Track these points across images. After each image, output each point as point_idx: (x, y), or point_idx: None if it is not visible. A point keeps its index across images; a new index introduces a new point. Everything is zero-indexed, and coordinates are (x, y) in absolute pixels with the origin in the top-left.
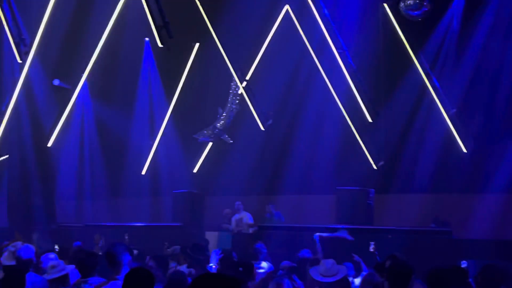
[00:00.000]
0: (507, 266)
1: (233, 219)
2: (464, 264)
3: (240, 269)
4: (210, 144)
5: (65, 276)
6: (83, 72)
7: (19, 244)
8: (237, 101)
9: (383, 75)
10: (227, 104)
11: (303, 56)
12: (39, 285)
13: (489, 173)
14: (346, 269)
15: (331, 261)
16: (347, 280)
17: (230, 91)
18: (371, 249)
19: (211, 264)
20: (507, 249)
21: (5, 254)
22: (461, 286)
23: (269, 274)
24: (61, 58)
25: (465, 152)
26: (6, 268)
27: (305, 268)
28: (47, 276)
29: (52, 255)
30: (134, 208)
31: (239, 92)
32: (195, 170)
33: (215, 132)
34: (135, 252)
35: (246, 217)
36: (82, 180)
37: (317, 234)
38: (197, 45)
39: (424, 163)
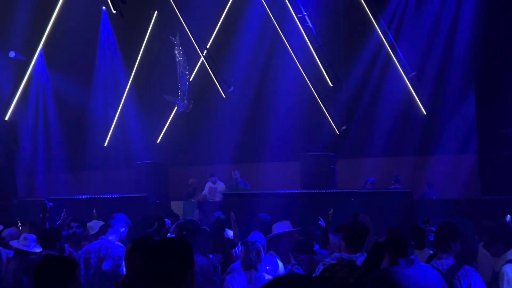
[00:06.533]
0: (462, 223)
1: (207, 187)
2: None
3: (184, 232)
4: (173, 113)
5: (30, 253)
6: (39, 42)
7: None
8: (184, 65)
9: (343, 39)
10: (177, 72)
11: (264, 22)
12: None
13: (448, 135)
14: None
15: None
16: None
17: (176, 59)
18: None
19: None
20: (465, 207)
21: None
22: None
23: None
24: (16, 29)
25: (424, 114)
26: None
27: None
28: (17, 245)
29: (13, 231)
30: (97, 180)
31: (182, 57)
32: (158, 141)
33: (184, 101)
34: (101, 223)
35: (220, 186)
36: (43, 153)
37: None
38: (155, 13)
39: (386, 126)
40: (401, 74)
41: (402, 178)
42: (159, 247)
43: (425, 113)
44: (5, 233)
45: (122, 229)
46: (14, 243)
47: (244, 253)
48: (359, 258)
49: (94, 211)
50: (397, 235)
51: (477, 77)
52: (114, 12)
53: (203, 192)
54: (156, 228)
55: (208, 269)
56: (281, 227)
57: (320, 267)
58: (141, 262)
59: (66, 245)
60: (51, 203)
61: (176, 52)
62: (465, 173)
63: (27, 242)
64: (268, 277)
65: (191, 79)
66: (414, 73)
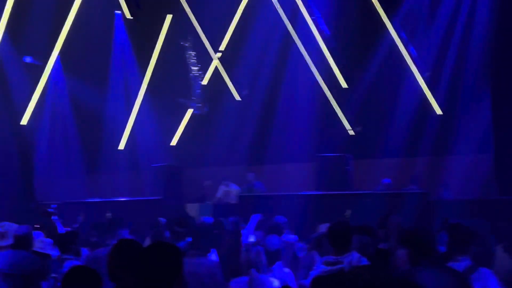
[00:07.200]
0: (478, 224)
1: (221, 190)
2: None
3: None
4: (187, 116)
5: (47, 255)
6: (54, 47)
7: (6, 224)
8: (197, 69)
9: (356, 39)
10: (189, 75)
11: (277, 24)
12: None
13: (463, 135)
14: None
15: None
16: None
17: (188, 61)
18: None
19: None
20: (481, 208)
21: None
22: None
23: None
24: (31, 34)
25: (439, 115)
26: None
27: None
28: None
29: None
30: (112, 183)
31: (195, 60)
32: (173, 143)
33: (198, 104)
34: None
35: (234, 189)
36: (59, 157)
37: None
38: (169, 16)
39: (400, 126)
40: (415, 74)
41: (418, 178)
42: (151, 251)
43: (440, 113)
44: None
45: (123, 231)
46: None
47: (244, 257)
48: (347, 259)
49: (108, 214)
50: (418, 235)
51: (493, 76)
52: (130, 17)
53: (217, 195)
54: (187, 231)
55: (215, 271)
56: (326, 227)
57: (312, 273)
58: (127, 265)
59: (85, 249)
60: (54, 205)
61: (187, 55)
62: (481, 173)
63: (43, 245)
64: (272, 279)
65: (205, 82)
66: (429, 72)
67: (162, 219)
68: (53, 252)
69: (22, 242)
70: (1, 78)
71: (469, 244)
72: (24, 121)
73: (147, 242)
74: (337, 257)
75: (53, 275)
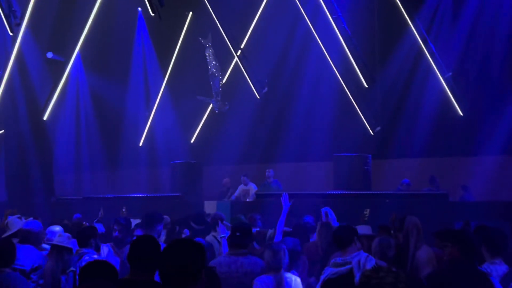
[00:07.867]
0: (498, 225)
1: (239, 189)
2: None
3: (238, 233)
4: (207, 113)
5: (67, 249)
6: (76, 44)
7: (13, 217)
8: (216, 67)
9: (378, 39)
10: (209, 73)
11: (298, 22)
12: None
13: (485, 136)
14: None
15: None
16: None
17: (207, 59)
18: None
19: (222, 236)
20: (502, 210)
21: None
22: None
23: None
24: (54, 30)
25: (461, 115)
26: None
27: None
28: (51, 242)
29: (57, 228)
30: (132, 179)
31: (213, 57)
32: (192, 140)
33: (218, 102)
34: (136, 221)
35: (252, 188)
36: (79, 152)
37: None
38: (190, 14)
39: (421, 127)
40: (437, 74)
41: (437, 179)
42: (176, 247)
43: (461, 114)
44: (48, 230)
45: (159, 227)
46: (50, 242)
47: (271, 255)
48: (355, 259)
49: (123, 210)
50: (464, 235)
51: None
52: (153, 14)
53: (236, 194)
54: (204, 228)
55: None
56: (361, 230)
57: (322, 277)
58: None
59: (108, 244)
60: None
61: (207, 53)
62: (506, 175)
63: (62, 239)
64: (295, 277)
65: (225, 80)
66: (450, 73)
67: (166, 217)
68: (72, 246)
69: (28, 237)
70: (23, 73)
71: (504, 247)
72: (46, 116)
73: (162, 238)
74: (345, 257)
75: (72, 268)
